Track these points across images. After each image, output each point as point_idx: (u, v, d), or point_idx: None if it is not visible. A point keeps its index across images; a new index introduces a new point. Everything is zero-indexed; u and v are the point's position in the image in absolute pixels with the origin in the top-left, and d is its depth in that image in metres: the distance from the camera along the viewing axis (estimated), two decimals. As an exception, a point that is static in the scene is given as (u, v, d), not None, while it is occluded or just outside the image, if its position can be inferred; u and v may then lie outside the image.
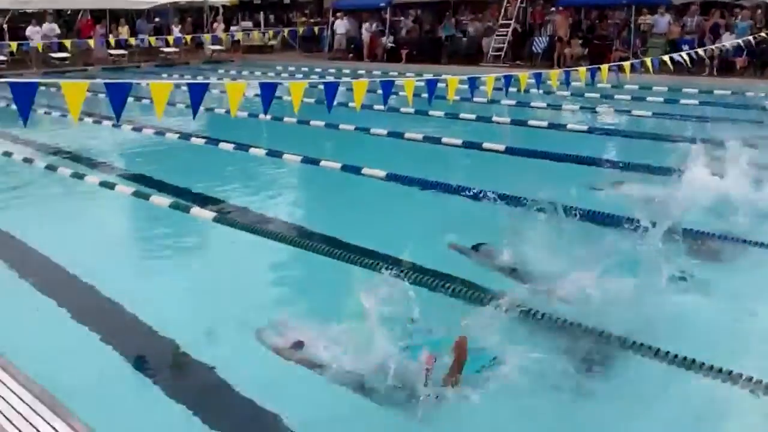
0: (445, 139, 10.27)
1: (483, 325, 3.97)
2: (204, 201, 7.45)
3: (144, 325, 4.57)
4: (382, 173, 8.26)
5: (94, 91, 9.41)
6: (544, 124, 11.70)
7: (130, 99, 5.17)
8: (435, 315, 4.22)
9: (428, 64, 21.78)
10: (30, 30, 23.53)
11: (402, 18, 25.59)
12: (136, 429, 3.48)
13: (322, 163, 9.02)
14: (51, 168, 9.06)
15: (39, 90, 4.84)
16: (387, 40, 24.94)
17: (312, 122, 11.93)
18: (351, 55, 25.66)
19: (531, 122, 11.98)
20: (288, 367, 3.95)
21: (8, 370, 3.65)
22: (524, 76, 8.51)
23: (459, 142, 10.16)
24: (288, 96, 6.08)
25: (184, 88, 5.45)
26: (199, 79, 20.10)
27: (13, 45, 22.73)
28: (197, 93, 5.49)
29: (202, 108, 5.49)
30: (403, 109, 12.09)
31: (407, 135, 10.66)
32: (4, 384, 3.51)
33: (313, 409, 3.60)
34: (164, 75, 21.71)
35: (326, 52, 27.06)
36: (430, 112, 12.11)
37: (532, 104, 13.56)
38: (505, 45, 21.97)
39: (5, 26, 24.95)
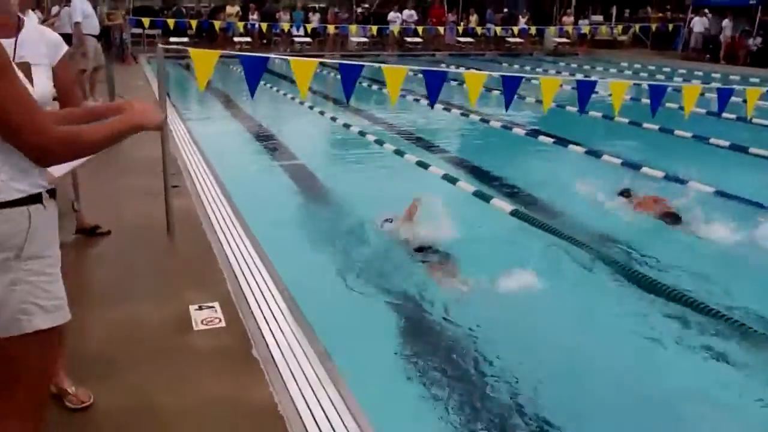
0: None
1: None
2: (508, 192, 7.41)
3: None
4: (710, 189, 7.32)
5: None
6: None
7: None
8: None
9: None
10: (392, 15, 25.81)
11: (774, 18, 22.52)
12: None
13: (643, 169, 8.31)
14: (378, 142, 9.83)
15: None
16: (754, 42, 22.18)
17: (645, 125, 11.08)
18: (708, 56, 23.39)
19: None
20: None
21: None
22: None
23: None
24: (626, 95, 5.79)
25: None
26: (538, 72, 20.14)
27: (374, 28, 25.19)
28: (511, 85, 5.43)
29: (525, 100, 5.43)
30: (757, 121, 10.59)
31: (752, 150, 9.30)
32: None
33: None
34: (504, 64, 22.12)
35: (680, 51, 25.08)
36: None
37: None
38: None
39: (368, 12, 27.85)
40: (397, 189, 7.43)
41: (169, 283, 4.43)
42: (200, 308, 4.00)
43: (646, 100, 8.71)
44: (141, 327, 3.80)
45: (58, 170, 2.52)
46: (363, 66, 5.17)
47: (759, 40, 22.21)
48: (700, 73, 20.03)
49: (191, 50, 4.79)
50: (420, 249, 5.50)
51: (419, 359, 4.08)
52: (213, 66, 4.93)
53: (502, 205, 6.74)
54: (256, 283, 4.48)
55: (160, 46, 4.99)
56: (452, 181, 7.60)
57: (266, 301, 4.19)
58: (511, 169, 8.76)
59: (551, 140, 10.12)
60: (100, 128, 2.11)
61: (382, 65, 5.27)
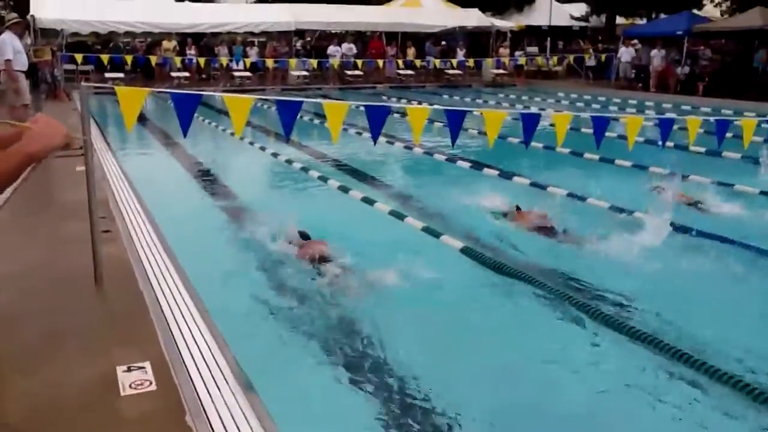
0: (738, 187, 8.90)
1: None
2: (456, 229, 7.25)
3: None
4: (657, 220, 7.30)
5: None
6: None
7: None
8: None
9: (731, 99, 19.43)
10: (331, 49, 25.84)
11: (701, 47, 23.34)
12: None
13: (590, 200, 8.28)
14: (323, 178, 9.58)
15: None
16: (682, 71, 22.97)
17: (586, 155, 11.17)
18: (640, 84, 24.14)
19: None
20: None
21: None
22: None
23: (755, 191, 8.74)
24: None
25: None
26: (478, 102, 20.33)
27: (314, 62, 25.14)
28: (456, 120, 5.29)
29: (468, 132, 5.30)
30: (693, 149, 10.76)
31: (692, 177, 9.41)
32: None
33: None
34: (445, 96, 22.30)
35: (613, 81, 25.83)
36: (724, 154, 10.70)
37: None
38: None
39: (309, 45, 27.85)
40: (344, 228, 7.16)
41: (95, 342, 4.04)
42: (129, 369, 3.64)
43: (586, 130, 8.73)
44: (61, 394, 3.41)
45: None
46: (302, 102, 4.94)
47: (687, 69, 22.99)
48: (634, 102, 20.58)
49: (117, 88, 4.47)
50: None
51: (372, 411, 3.81)
52: (141, 105, 4.64)
53: (451, 241, 6.56)
54: (193, 338, 4.14)
55: (83, 84, 4.68)
56: (400, 217, 7.40)
57: (204, 359, 3.86)
58: (456, 204, 8.58)
59: (495, 172, 10.07)
60: None
61: (323, 101, 5.04)
